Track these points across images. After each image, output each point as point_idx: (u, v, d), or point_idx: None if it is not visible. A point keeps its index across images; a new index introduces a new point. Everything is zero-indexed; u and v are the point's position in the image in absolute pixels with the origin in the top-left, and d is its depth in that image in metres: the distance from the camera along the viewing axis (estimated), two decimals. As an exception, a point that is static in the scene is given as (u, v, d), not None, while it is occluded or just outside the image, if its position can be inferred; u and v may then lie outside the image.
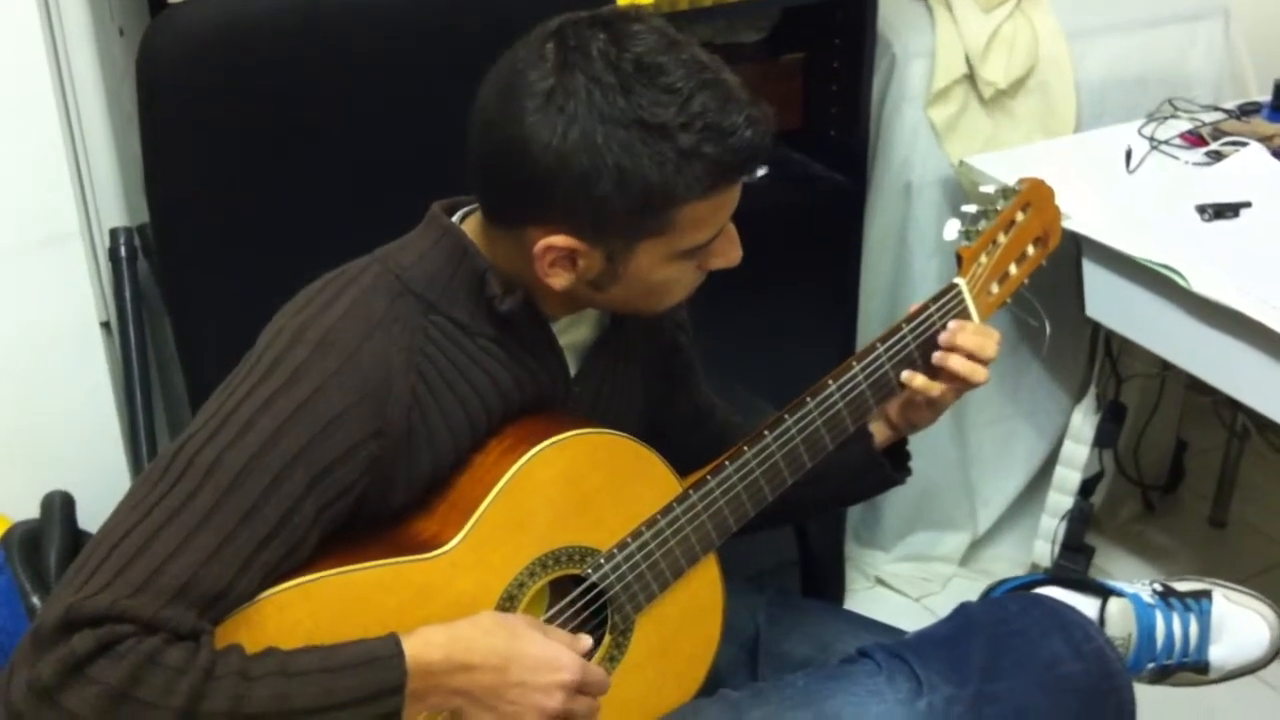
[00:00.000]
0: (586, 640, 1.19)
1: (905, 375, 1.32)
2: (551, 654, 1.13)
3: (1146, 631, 1.42)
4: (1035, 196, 1.42)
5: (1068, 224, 1.91)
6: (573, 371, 1.26)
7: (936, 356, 1.33)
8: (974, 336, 1.32)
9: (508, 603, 1.17)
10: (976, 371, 1.32)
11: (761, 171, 2.12)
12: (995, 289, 1.39)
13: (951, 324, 1.34)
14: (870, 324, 2.27)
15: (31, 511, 1.77)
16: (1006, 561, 2.48)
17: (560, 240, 1.11)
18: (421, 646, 1.07)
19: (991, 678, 1.24)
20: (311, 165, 1.43)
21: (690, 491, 1.25)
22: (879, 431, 1.39)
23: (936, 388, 1.32)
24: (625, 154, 1.06)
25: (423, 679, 1.07)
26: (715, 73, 1.09)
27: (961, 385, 1.33)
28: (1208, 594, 1.45)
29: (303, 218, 1.44)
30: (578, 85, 1.06)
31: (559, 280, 1.14)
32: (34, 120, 1.71)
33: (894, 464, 1.42)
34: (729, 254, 1.19)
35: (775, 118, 1.12)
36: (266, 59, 1.38)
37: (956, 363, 1.32)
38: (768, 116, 1.11)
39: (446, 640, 1.09)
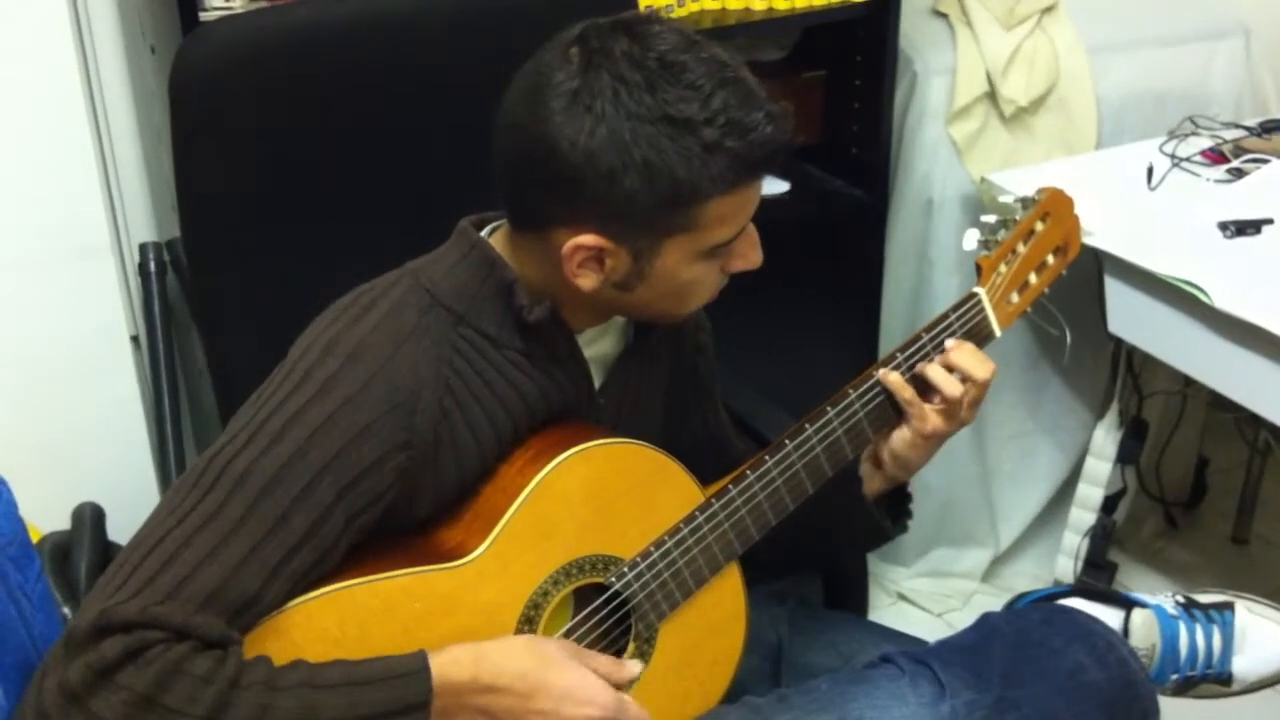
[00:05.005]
0: (633, 667, 1.20)
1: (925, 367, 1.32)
2: (583, 686, 1.13)
3: (1170, 643, 1.42)
4: (1055, 206, 1.42)
5: (1089, 240, 1.91)
6: (597, 384, 1.27)
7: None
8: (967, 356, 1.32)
9: (532, 610, 1.18)
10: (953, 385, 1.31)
11: (784, 187, 2.13)
12: (1015, 298, 1.40)
13: (949, 342, 1.33)
14: (891, 339, 2.28)
15: (62, 523, 1.78)
16: (1028, 578, 2.48)
17: (588, 239, 1.12)
18: (449, 665, 1.08)
19: (1013, 684, 1.24)
20: (342, 180, 1.45)
21: (713, 500, 1.26)
22: (870, 477, 1.37)
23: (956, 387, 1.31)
24: (652, 149, 1.08)
25: (449, 697, 1.08)
26: (735, 71, 1.11)
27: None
28: (1230, 605, 1.45)
29: (333, 232, 1.45)
30: (603, 84, 1.08)
31: (587, 281, 1.15)
32: (65, 136, 1.73)
33: (893, 514, 1.41)
34: (750, 256, 1.20)
35: (793, 117, 1.13)
36: (297, 76, 1.40)
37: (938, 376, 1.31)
38: (786, 114, 1.13)
39: (473, 660, 1.10)
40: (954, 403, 1.30)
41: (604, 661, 1.18)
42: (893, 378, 1.31)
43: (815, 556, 1.54)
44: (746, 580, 1.31)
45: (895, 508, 1.41)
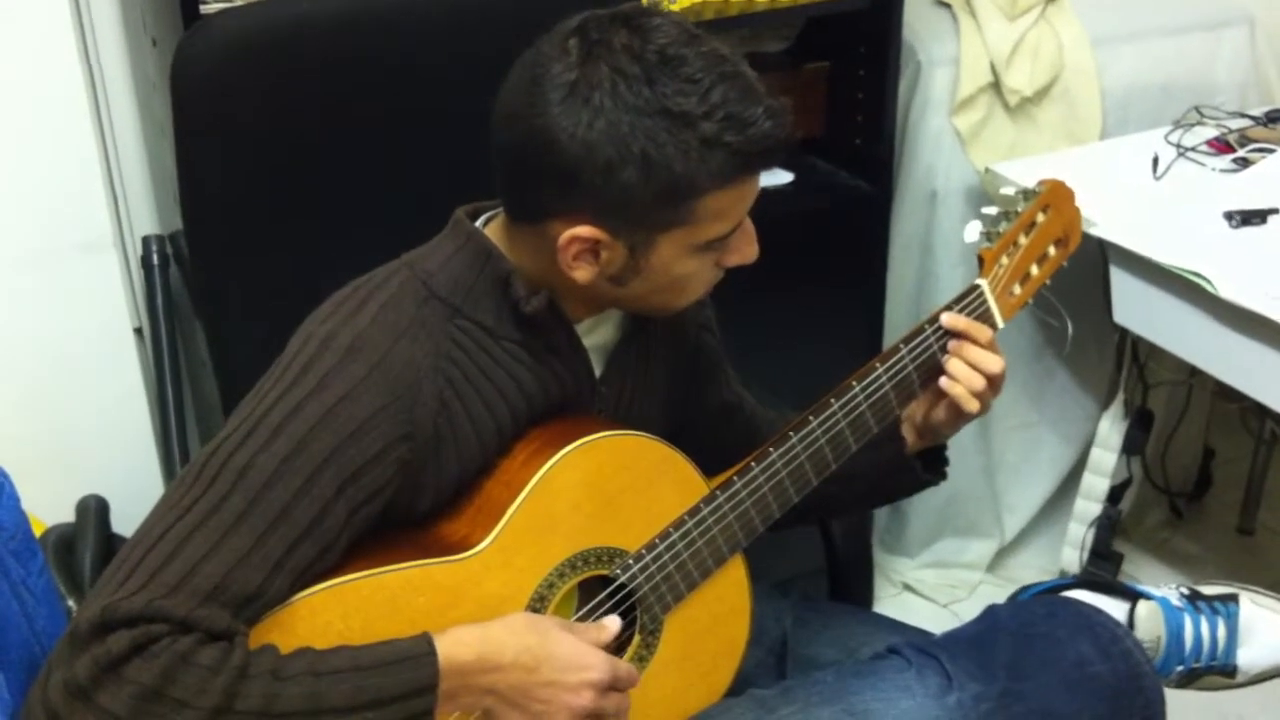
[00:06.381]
0: (611, 624, 1.19)
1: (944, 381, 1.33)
2: (580, 653, 1.14)
3: (1175, 634, 1.42)
4: (1055, 198, 1.42)
5: (1095, 231, 1.91)
6: (597, 373, 1.27)
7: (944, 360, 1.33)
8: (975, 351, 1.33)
9: (537, 603, 1.18)
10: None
11: (787, 178, 2.13)
12: (1017, 290, 1.40)
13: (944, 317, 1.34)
14: (895, 331, 2.27)
15: (66, 515, 1.79)
16: (1034, 569, 2.48)
17: (584, 231, 1.12)
18: (454, 646, 1.08)
19: (1018, 676, 1.25)
20: (343, 173, 1.45)
21: (717, 493, 1.26)
22: (909, 434, 1.39)
23: (963, 392, 1.32)
24: (650, 142, 1.07)
25: (455, 678, 1.08)
26: (734, 65, 1.11)
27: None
28: (1234, 597, 1.45)
29: (334, 225, 1.45)
30: (602, 76, 1.07)
31: (582, 273, 1.15)
32: (68, 130, 1.74)
33: (929, 466, 1.42)
34: (746, 251, 1.20)
35: (793, 112, 1.13)
36: (299, 69, 1.40)
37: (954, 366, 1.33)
38: (786, 110, 1.12)
39: (479, 640, 1.10)
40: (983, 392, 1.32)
41: (589, 628, 1.18)
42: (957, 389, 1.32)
43: (852, 505, 1.54)
44: (755, 567, 1.32)
45: (932, 458, 1.43)
